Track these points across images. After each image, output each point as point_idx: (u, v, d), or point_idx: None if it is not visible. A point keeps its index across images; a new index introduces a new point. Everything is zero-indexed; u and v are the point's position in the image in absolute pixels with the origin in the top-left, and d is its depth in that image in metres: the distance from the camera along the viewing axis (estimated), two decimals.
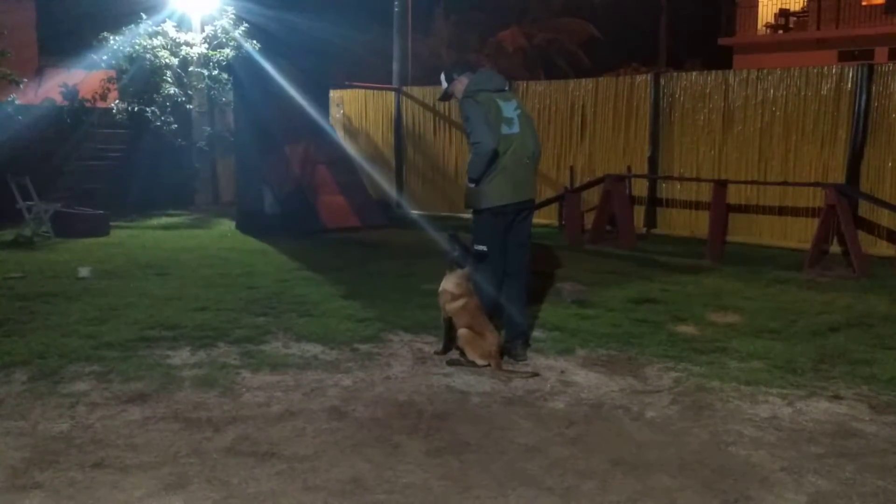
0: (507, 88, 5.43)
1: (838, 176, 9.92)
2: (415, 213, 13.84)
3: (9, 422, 4.03)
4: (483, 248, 5.18)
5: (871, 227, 9.80)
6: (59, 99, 13.07)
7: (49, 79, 14.46)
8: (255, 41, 13.73)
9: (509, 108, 5.19)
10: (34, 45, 16.87)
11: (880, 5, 23.23)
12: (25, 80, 12.91)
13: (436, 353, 5.27)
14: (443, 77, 5.52)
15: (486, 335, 5.03)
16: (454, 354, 5.15)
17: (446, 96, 5.58)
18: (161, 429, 3.96)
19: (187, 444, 3.76)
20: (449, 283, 5.14)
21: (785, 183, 10.14)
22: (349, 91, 15.76)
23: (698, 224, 10.98)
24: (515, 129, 5.16)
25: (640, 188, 11.71)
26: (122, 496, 3.25)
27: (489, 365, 4.95)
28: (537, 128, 12.85)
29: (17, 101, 12.34)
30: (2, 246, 9.76)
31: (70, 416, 4.11)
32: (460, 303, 5.06)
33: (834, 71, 10.19)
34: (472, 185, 5.16)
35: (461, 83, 5.37)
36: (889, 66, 9.88)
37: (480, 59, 27.80)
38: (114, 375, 4.73)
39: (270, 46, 13.21)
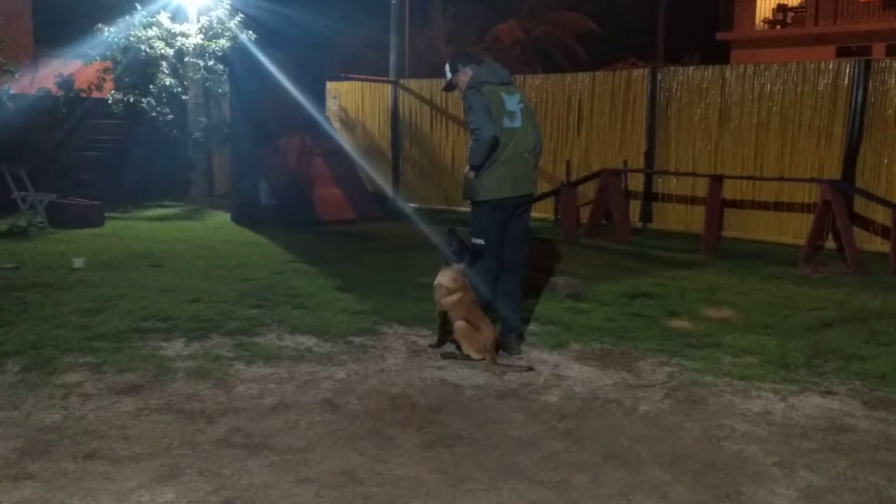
0: (511, 81, 5.41)
1: (834, 172, 9.94)
2: (411, 205, 13.83)
3: (1, 412, 4.02)
4: (480, 241, 5.18)
5: (866, 224, 9.82)
6: (54, 88, 13.02)
7: (44, 68, 14.40)
8: (250, 31, 13.68)
9: (512, 102, 5.19)
10: (30, 34, 16.78)
11: (878, 1, 23.22)
12: (21, 68, 12.85)
13: (430, 346, 5.27)
14: (447, 67, 5.49)
15: (481, 329, 5.02)
16: (449, 348, 5.16)
17: (450, 87, 5.53)
18: (154, 420, 3.95)
19: (180, 436, 3.76)
20: (444, 278, 5.13)
21: (781, 178, 10.16)
22: (346, 83, 15.73)
23: (694, 219, 11.00)
24: (518, 122, 5.17)
25: (636, 183, 11.73)
26: (115, 487, 3.25)
27: (484, 359, 4.95)
28: None
29: (11, 91, 12.30)
30: None
31: (63, 407, 4.10)
32: (455, 297, 5.06)
33: (831, 66, 10.20)
34: (472, 174, 5.15)
35: (465, 74, 5.34)
36: (886, 62, 9.89)
37: (478, 53, 27.78)
38: (107, 366, 4.72)
39: (266, 38, 13.18)
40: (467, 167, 5.21)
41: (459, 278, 5.10)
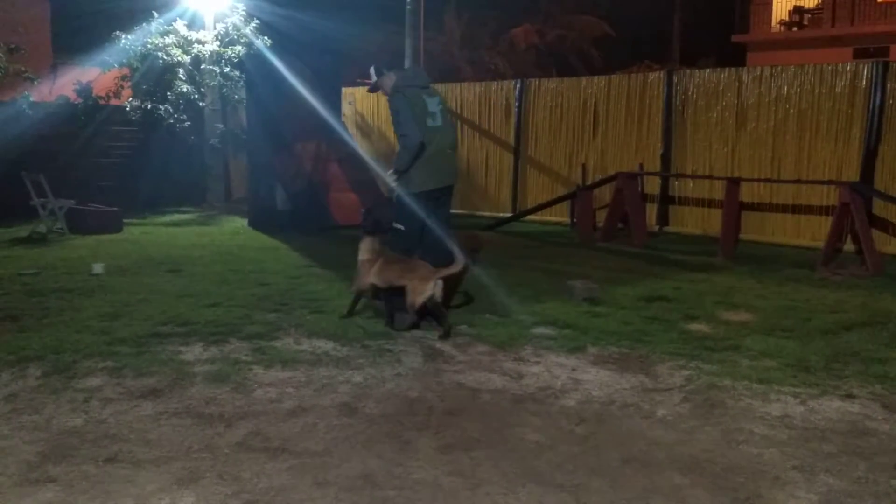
0: (429, 85, 6.06)
1: (852, 174, 9.87)
2: None
3: (23, 416, 4.06)
4: (401, 227, 5.91)
5: (885, 226, 9.74)
6: (73, 96, 13.15)
7: (63, 76, 14.54)
8: (266, 37, 13.77)
9: (433, 104, 5.88)
10: (48, 42, 16.97)
11: (895, 2, 23.05)
12: (40, 76, 12.98)
13: (340, 317, 5.89)
14: (372, 71, 6.08)
15: (417, 269, 5.60)
16: (401, 319, 5.72)
17: (374, 88, 6.18)
18: (173, 424, 3.98)
19: (199, 439, 3.78)
20: (363, 253, 5.84)
21: (798, 181, 10.09)
22: (361, 88, 15.76)
23: (711, 222, 10.94)
24: (439, 122, 5.87)
25: (653, 186, 11.69)
26: (135, 490, 3.27)
27: (437, 284, 5.47)
28: (549, 125, 12.81)
29: (31, 98, 12.42)
30: (17, 242, 9.85)
31: (84, 411, 4.13)
32: (379, 263, 5.72)
33: (848, 68, 10.13)
34: (395, 177, 5.90)
35: (389, 79, 5.98)
36: None
37: (493, 57, 27.78)
38: (127, 371, 4.75)
39: (282, 44, 13.22)
40: (391, 170, 5.94)
41: (375, 247, 5.81)
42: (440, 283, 5.53)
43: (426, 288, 5.50)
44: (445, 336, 5.50)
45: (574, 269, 8.33)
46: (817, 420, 4.13)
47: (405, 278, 5.60)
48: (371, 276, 5.75)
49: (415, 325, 5.70)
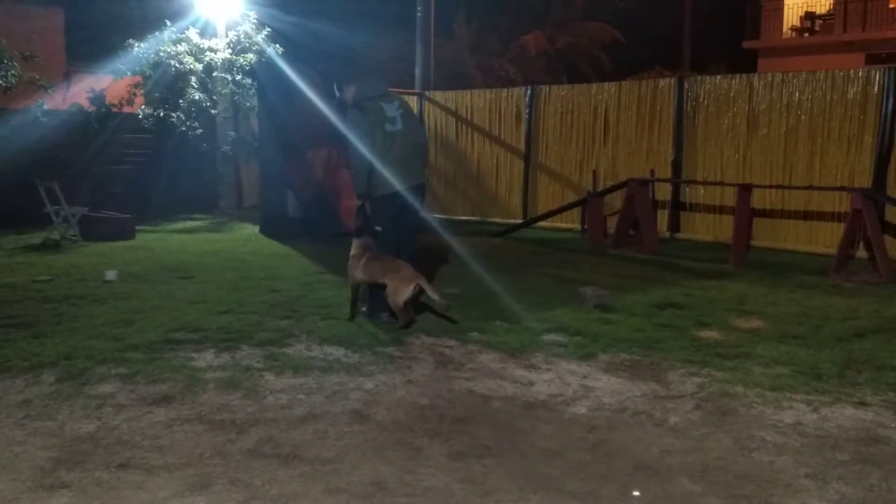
0: (388, 92, 6.38)
1: (865, 180, 9.82)
2: (437, 216, 13.84)
3: (37, 422, 4.09)
4: (378, 228, 6.23)
5: None
6: (86, 104, 13.24)
7: (77, 84, 14.65)
8: (277, 45, 13.84)
9: (392, 109, 6.16)
10: (62, 51, 17.08)
11: None
12: (54, 84, 13.08)
13: (347, 320, 6.09)
14: (335, 87, 6.44)
15: (400, 269, 5.86)
16: (385, 317, 6.04)
17: (342, 103, 6.43)
18: (186, 430, 4.00)
19: (211, 446, 3.80)
20: (353, 249, 6.16)
21: (810, 187, 10.05)
22: None
23: (722, 229, 10.91)
24: (399, 125, 6.12)
25: (664, 192, 11.66)
26: (148, 496, 3.29)
27: (417, 287, 5.76)
28: (560, 132, 12.80)
29: (45, 106, 12.51)
30: (30, 249, 9.92)
31: (97, 417, 4.16)
32: (364, 259, 6.03)
33: (860, 74, 10.09)
34: (359, 201, 6.16)
35: (350, 91, 6.27)
36: None
37: (503, 64, 27.83)
38: (139, 377, 4.78)
39: (293, 52, 13.30)
40: (355, 197, 6.22)
41: (362, 245, 6.12)
42: (418, 286, 5.82)
43: (408, 289, 5.80)
44: (404, 326, 5.89)
45: (585, 275, 8.32)
46: (830, 428, 4.11)
47: (387, 277, 5.90)
48: (358, 271, 6.08)
49: (409, 324, 5.91)
